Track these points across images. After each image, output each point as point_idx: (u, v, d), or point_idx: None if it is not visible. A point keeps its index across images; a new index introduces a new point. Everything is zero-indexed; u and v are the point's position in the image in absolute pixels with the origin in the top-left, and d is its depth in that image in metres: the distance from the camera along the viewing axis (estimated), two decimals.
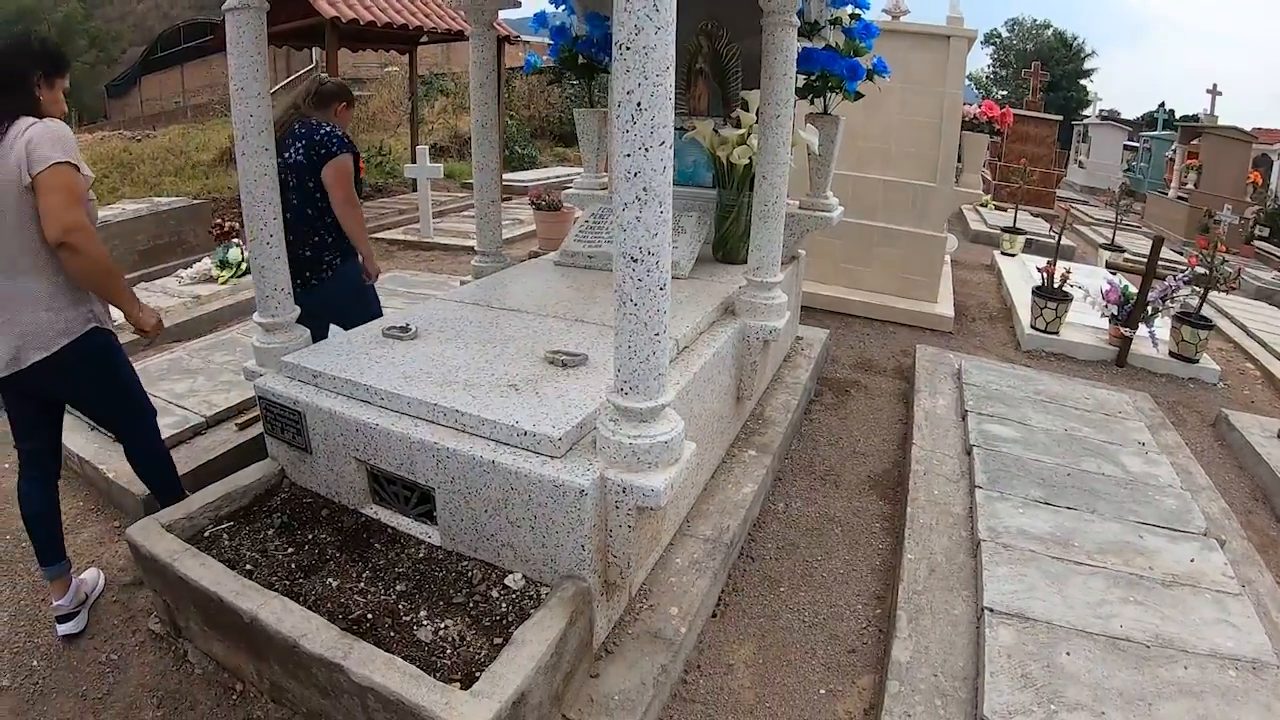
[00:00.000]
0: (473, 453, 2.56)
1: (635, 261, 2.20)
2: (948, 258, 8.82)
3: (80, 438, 4.28)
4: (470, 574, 2.67)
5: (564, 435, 2.51)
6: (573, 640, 2.37)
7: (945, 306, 7.37)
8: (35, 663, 3.08)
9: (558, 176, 14.04)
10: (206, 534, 2.99)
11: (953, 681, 2.62)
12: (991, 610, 2.82)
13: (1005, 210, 12.41)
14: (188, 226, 8.94)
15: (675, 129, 4.90)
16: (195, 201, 9.74)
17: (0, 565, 3.70)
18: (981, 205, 14.63)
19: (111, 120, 32.53)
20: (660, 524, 2.61)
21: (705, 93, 5.03)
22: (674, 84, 2.14)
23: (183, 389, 4.66)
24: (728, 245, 4.75)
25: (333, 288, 4.11)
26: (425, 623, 2.47)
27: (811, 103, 4.86)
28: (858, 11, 4.64)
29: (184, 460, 3.94)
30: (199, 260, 7.87)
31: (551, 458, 2.50)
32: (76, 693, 2.91)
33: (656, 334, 2.28)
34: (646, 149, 2.11)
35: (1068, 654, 2.62)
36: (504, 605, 2.52)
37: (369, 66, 23.38)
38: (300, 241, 3.90)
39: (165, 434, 4.01)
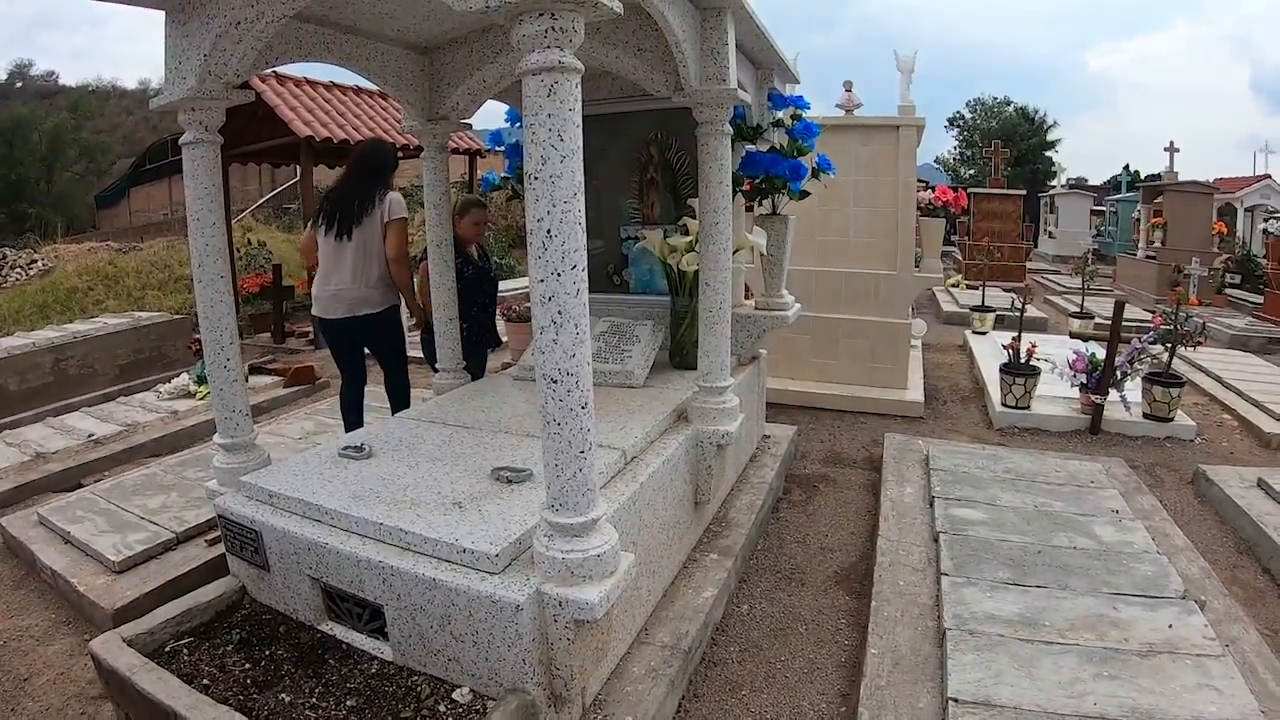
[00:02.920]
0: (416, 570, 2.63)
1: (555, 383, 2.30)
2: (916, 342, 8.93)
3: (54, 551, 4.34)
4: (419, 689, 2.70)
5: (501, 551, 2.58)
6: None
7: (915, 392, 7.46)
8: None
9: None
10: (167, 649, 3.05)
11: None
12: (956, 700, 2.82)
13: (976, 288, 12.57)
14: (168, 341, 9.08)
15: (631, 238, 5.11)
16: (175, 316, 9.89)
17: None
18: (953, 285, 14.81)
19: (100, 230, 32.83)
20: (606, 635, 2.65)
21: (658, 201, 5.21)
22: (583, 208, 2.25)
23: (155, 504, 4.72)
24: (684, 351, 4.83)
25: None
26: None
27: (759, 204, 5.00)
28: (799, 112, 4.83)
29: (154, 575, 4.00)
30: (178, 375, 7.97)
31: (490, 574, 2.56)
32: None
33: (581, 451, 2.37)
34: (559, 274, 2.22)
35: None
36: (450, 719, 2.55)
37: None
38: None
39: (136, 549, 4.13)
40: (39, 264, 20.12)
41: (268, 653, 3.00)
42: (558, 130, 2.16)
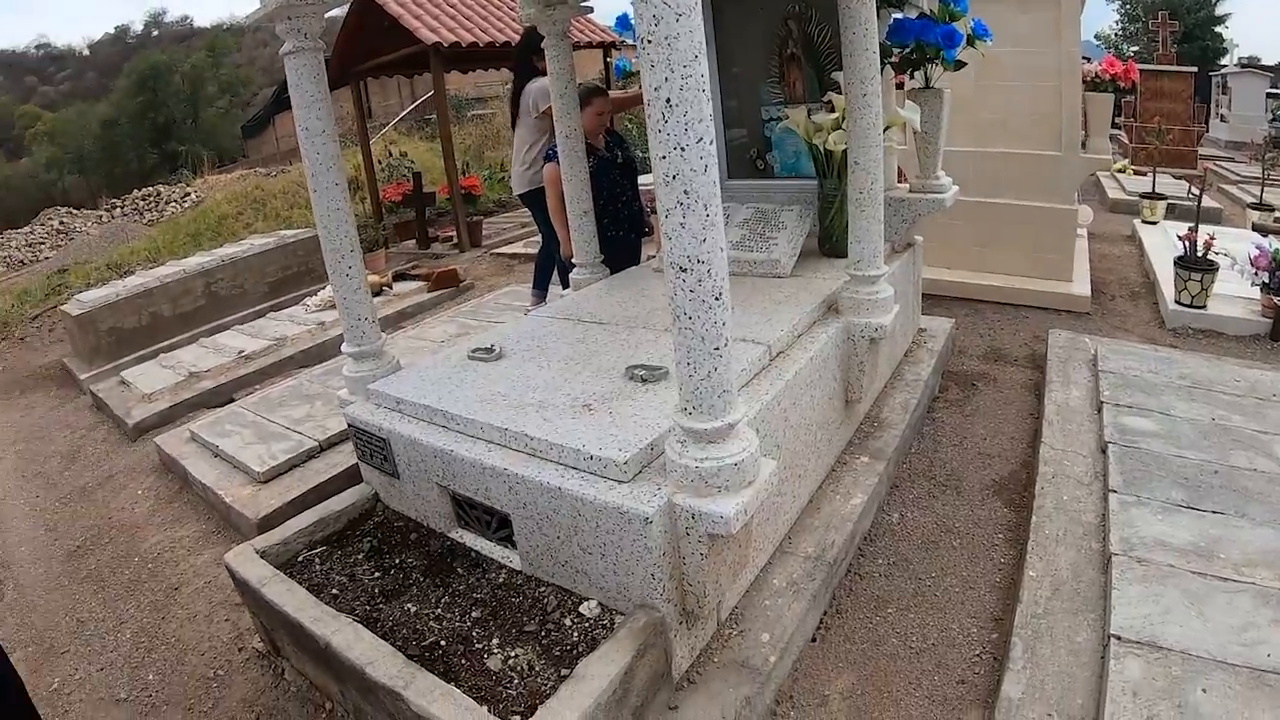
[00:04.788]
0: (541, 478, 2.48)
1: (684, 271, 2.03)
2: (1082, 231, 8.21)
3: (204, 464, 4.45)
4: (546, 600, 2.60)
5: (631, 458, 2.39)
6: (643, 673, 2.25)
7: (1081, 285, 6.83)
8: (150, 676, 3.29)
9: None
10: (300, 558, 3.07)
11: None
12: (1119, 638, 2.48)
13: (1144, 174, 11.49)
14: (314, 256, 9.16)
15: (774, 120, 4.76)
16: None
17: (128, 588, 3.89)
18: (1119, 171, 13.65)
19: (249, 159, 34.45)
20: (744, 548, 2.45)
21: (800, 79, 4.79)
22: (706, 74, 1.95)
23: (300, 414, 4.80)
24: (833, 238, 4.46)
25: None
26: (496, 651, 2.42)
27: (910, 77, 4.55)
28: None
29: (297, 484, 4.05)
30: (324, 288, 8.10)
31: (618, 482, 2.38)
32: (184, 705, 3.07)
33: (716, 348, 2.11)
34: (682, 148, 1.93)
35: (1203, 691, 2.27)
36: (575, 634, 2.44)
37: (491, 85, 23.70)
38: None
39: (280, 459, 4.17)
40: (191, 196, 21.13)
41: (397, 561, 2.97)
42: None
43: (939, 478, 4.02)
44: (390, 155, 14.30)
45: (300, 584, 2.80)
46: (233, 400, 5.74)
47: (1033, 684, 2.47)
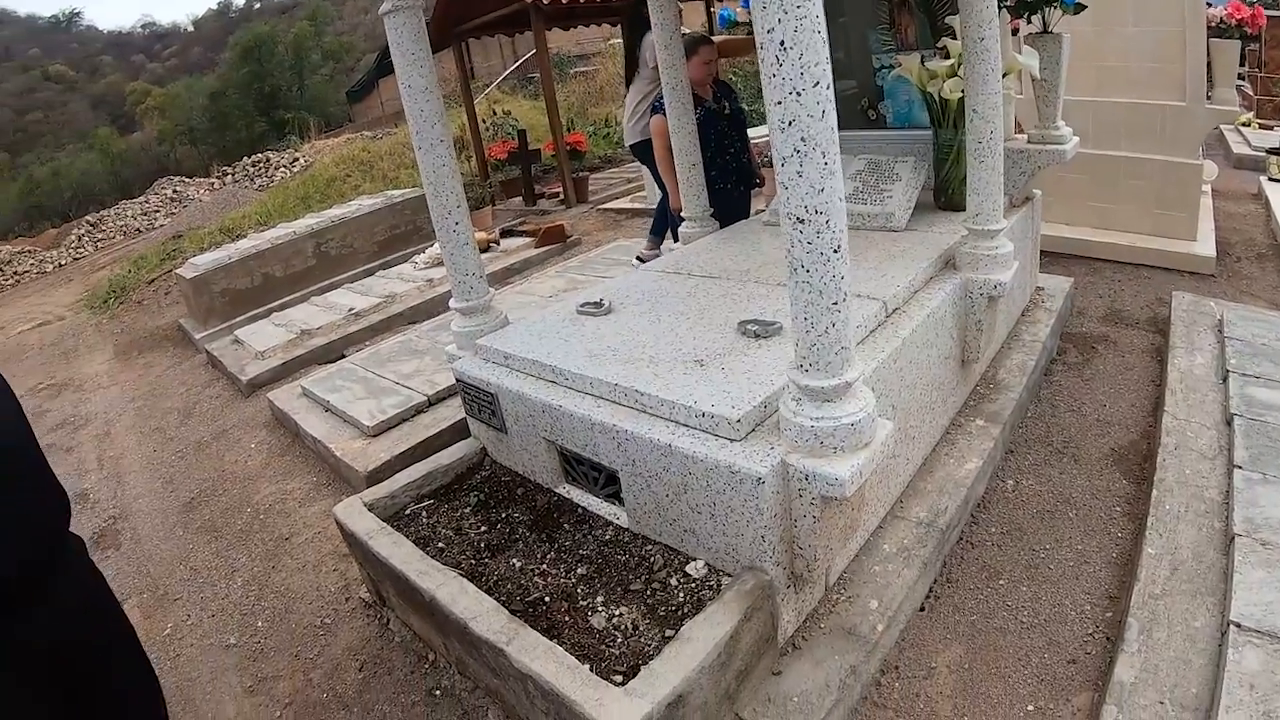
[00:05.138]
0: (651, 435, 2.44)
1: (802, 223, 1.95)
2: (1207, 187, 7.75)
3: (314, 418, 4.56)
4: (652, 559, 2.57)
5: (743, 416, 2.32)
6: (748, 636, 2.21)
7: (1206, 245, 6.45)
8: (260, 623, 3.41)
9: None
10: (407, 511, 3.11)
11: (1181, 713, 2.17)
12: (1238, 626, 2.31)
13: (1271, 129, 10.78)
14: (421, 215, 9.33)
15: (885, 68, 4.59)
16: None
17: (240, 538, 4.02)
18: (1243, 124, 12.89)
19: (355, 123, 35.30)
20: (857, 512, 2.38)
21: (911, 24, 4.58)
22: (822, 14, 1.84)
23: (409, 369, 4.88)
24: (949, 190, 4.26)
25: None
26: (600, 609, 2.41)
27: (1027, 21, 4.33)
28: None
29: (405, 438, 4.11)
30: (431, 245, 8.21)
31: (730, 441, 2.32)
32: (292, 652, 3.17)
33: (835, 303, 2.02)
34: (798, 92, 1.84)
35: None
36: (681, 595, 2.40)
37: (591, 40, 23.63)
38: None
39: (389, 414, 4.26)
40: (300, 161, 21.72)
41: (504, 515, 2.98)
42: None
43: (1056, 444, 3.85)
44: (494, 115, 14.41)
45: (407, 537, 2.83)
46: (343, 356, 5.87)
47: (1146, 668, 2.32)
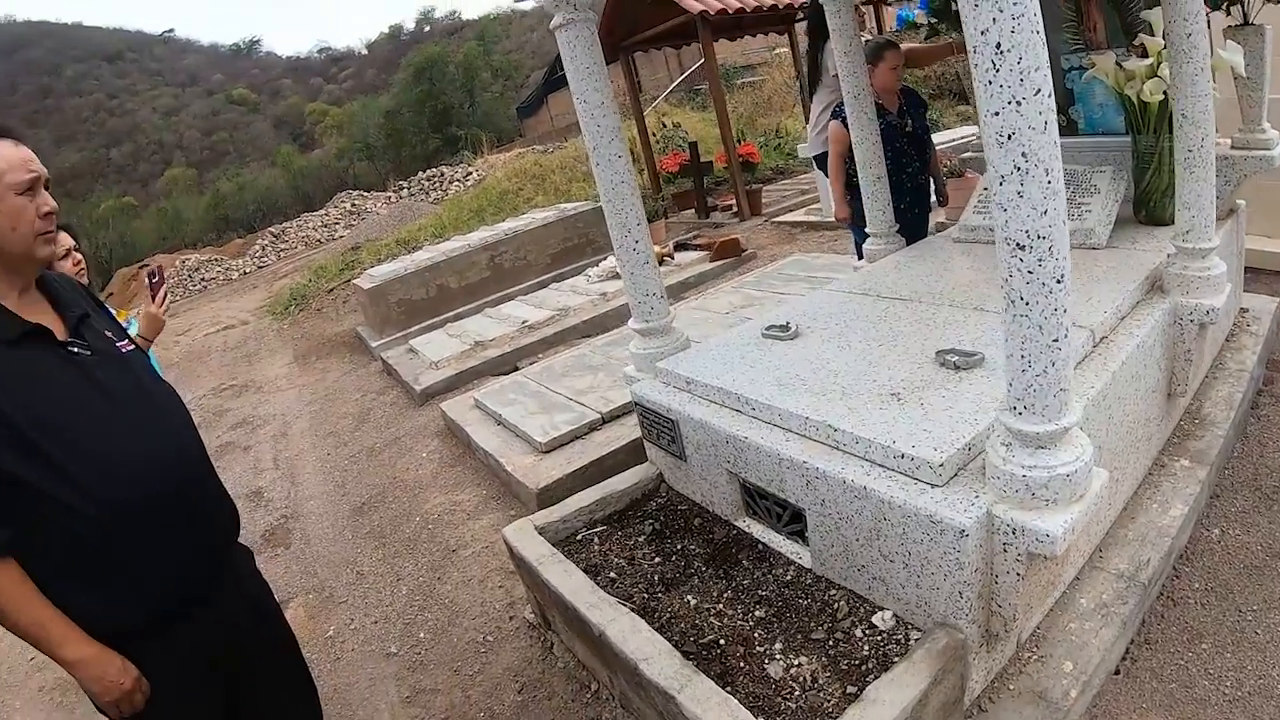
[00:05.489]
0: (844, 475, 2.36)
1: (1022, 249, 1.84)
2: None
3: (486, 431, 4.68)
4: (835, 605, 2.48)
5: (946, 460, 2.21)
6: (936, 700, 2.09)
7: None
8: (422, 634, 3.49)
9: (963, 138, 13.04)
10: (579, 537, 3.12)
11: None
12: None
13: None
14: (594, 228, 9.55)
15: (1075, 69, 4.33)
16: (599, 204, 10.16)
17: (407, 546, 4.14)
18: None
19: (525, 138, 36.90)
20: (1060, 567, 2.24)
21: (1100, 20, 4.28)
22: (1039, 11, 1.72)
23: (583, 385, 4.94)
24: (1150, 203, 3.97)
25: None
26: (778, 656, 2.34)
27: (1227, 13, 3.99)
28: None
29: (577, 456, 4.16)
30: (604, 259, 8.37)
31: (931, 486, 2.21)
32: (451, 667, 3.23)
33: (1055, 340, 1.90)
34: (1018, 102, 1.72)
35: None
36: (866, 647, 2.31)
37: (758, 51, 23.68)
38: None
39: (562, 430, 4.33)
40: (473, 175, 22.65)
41: (679, 546, 2.95)
42: None
43: (1265, 489, 3.48)
44: (664, 127, 14.60)
45: (578, 564, 2.84)
46: (516, 369, 6.03)
47: None
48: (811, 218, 9.83)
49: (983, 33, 1.71)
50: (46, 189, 1.81)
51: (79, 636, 1.69)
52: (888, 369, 2.81)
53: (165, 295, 3.08)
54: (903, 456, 2.28)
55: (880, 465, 2.34)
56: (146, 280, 3.16)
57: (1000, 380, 2.23)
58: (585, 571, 2.79)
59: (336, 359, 8.92)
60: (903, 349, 2.96)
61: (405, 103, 50.58)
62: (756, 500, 2.85)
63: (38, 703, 3.94)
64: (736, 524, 2.95)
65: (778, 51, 22.97)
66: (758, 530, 2.88)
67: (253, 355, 10.77)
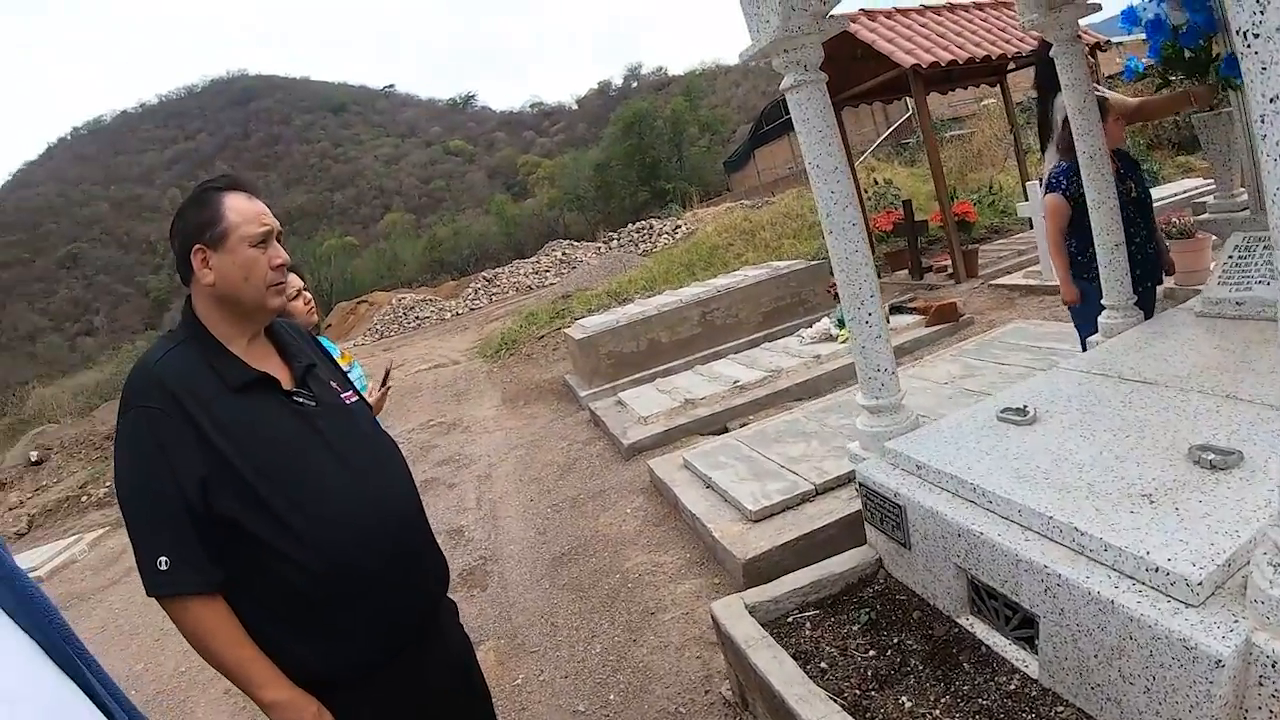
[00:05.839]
0: (1088, 585, 2.25)
1: None
2: None
3: (694, 494, 4.75)
4: None
5: (1205, 578, 2.06)
6: None
7: None
8: (612, 696, 3.52)
9: (1184, 192, 12.09)
10: (789, 619, 3.09)
11: None
12: None
13: None
14: (806, 287, 9.61)
15: None
16: (812, 263, 10.32)
17: (604, 602, 4.23)
18: None
19: (732, 192, 37.98)
20: None
21: None
22: None
23: (796, 452, 4.92)
24: None
25: None
26: None
27: None
28: None
29: (789, 527, 4.14)
30: (818, 319, 8.38)
31: (1185, 605, 2.07)
32: None
33: None
34: None
35: None
36: None
37: (965, 102, 23.28)
38: None
39: (774, 499, 4.32)
40: (682, 229, 23.24)
41: (895, 640, 2.88)
42: None
43: None
44: (875, 183, 14.50)
45: (787, 649, 2.82)
46: (726, 430, 6.11)
47: None
48: (1030, 281, 9.44)
49: (1271, 100, 1.59)
50: (279, 241, 1.92)
51: (279, 680, 1.75)
52: (1136, 464, 2.64)
53: (387, 393, 3.37)
54: (1156, 570, 2.15)
55: (1130, 577, 2.22)
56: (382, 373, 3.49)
57: (1259, 484, 2.09)
58: (795, 658, 2.76)
59: (544, 405, 9.26)
60: (1151, 441, 2.78)
61: (614, 155, 53.10)
62: (984, 599, 2.76)
63: (221, 704, 4.25)
64: (958, 621, 2.86)
65: (985, 103, 22.53)
66: (981, 630, 2.78)
67: (462, 394, 11.33)
